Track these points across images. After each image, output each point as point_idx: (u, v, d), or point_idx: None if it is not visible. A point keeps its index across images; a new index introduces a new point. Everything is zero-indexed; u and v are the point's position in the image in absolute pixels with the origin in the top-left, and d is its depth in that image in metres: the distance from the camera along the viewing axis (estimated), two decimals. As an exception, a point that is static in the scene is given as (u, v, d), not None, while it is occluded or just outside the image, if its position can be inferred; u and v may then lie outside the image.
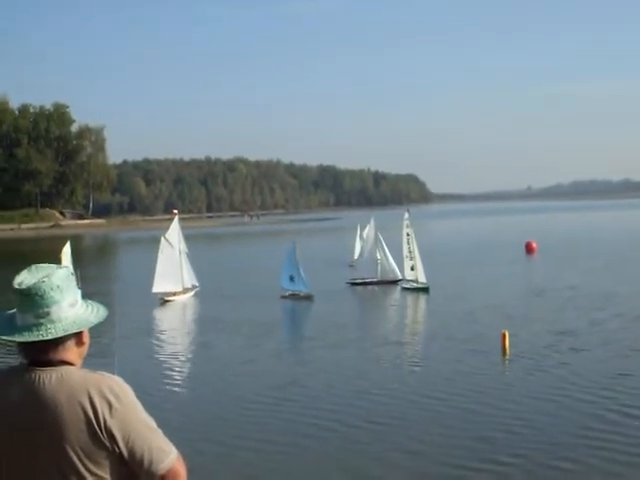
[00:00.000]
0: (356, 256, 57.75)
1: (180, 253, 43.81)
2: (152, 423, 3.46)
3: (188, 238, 46.00)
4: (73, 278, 3.57)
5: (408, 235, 44.23)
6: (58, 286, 3.44)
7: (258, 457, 16.13)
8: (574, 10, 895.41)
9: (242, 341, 30.09)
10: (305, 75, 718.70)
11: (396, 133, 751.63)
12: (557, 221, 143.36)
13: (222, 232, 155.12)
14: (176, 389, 22.82)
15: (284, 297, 41.86)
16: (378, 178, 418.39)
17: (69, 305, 3.47)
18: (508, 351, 24.96)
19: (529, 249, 68.39)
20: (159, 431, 3.47)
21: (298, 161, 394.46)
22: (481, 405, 19.36)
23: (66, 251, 52.12)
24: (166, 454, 3.42)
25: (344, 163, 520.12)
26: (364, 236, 57.41)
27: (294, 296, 41.76)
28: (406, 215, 44.86)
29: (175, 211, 47.82)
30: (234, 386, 22.75)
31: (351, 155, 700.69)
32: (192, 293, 44.30)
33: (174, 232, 44.54)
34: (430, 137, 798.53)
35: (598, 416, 18.04)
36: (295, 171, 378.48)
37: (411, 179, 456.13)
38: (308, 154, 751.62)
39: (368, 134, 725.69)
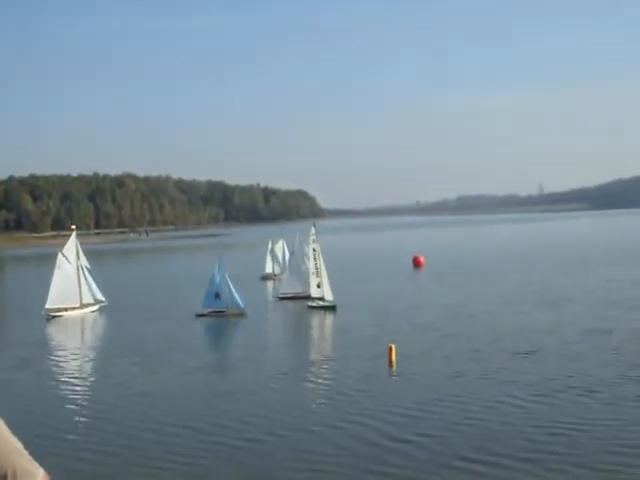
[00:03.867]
0: (267, 270, 57.81)
1: (79, 268, 42.74)
2: (17, 444, 3.21)
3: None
4: None
5: (315, 251, 43.00)
6: None
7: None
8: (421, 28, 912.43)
9: (128, 355, 31.23)
10: (193, 89, 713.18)
11: (284, 148, 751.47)
12: (443, 235, 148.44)
13: (111, 249, 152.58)
14: (49, 406, 23.18)
15: (201, 315, 39.99)
16: (268, 194, 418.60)
17: None
18: (395, 363, 26.91)
19: (417, 263, 71.49)
20: (25, 452, 3.24)
21: (187, 177, 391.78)
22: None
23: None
24: (32, 476, 3.19)
25: (233, 179, 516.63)
26: (276, 251, 57.36)
27: (219, 313, 39.81)
28: (312, 230, 43.53)
29: (73, 227, 46.81)
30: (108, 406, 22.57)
31: (240, 170, 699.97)
32: (94, 308, 43.13)
33: (71, 247, 43.49)
34: (319, 152, 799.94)
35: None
36: (184, 186, 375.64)
37: (300, 195, 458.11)
38: (197, 169, 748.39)
39: (256, 150, 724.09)
